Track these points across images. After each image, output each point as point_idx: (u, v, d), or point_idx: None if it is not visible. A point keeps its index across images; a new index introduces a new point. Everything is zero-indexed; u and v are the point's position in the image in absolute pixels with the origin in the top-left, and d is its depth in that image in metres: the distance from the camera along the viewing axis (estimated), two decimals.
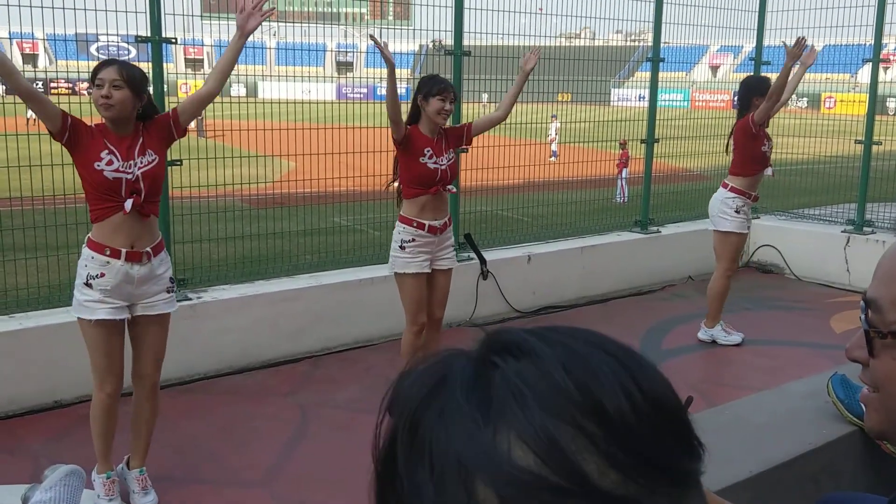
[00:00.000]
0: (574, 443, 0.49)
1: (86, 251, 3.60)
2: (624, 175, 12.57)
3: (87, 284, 3.58)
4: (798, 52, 5.76)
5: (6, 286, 5.25)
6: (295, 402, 5.12)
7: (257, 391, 5.28)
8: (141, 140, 3.64)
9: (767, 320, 6.34)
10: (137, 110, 3.62)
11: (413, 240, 4.71)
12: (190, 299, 5.42)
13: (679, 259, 8.13)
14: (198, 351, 5.36)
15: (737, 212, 6.01)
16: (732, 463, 2.00)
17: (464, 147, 5.32)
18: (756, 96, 5.89)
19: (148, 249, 3.64)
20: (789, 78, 5.89)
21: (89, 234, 3.63)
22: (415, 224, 4.71)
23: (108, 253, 3.57)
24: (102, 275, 3.57)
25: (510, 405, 0.50)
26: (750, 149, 5.94)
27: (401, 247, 4.74)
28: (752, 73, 8.92)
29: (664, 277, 8.01)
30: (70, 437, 4.54)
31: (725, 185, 6.09)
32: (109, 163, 3.53)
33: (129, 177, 3.56)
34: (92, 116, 3.93)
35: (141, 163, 3.60)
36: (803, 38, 5.82)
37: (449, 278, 4.95)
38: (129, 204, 3.54)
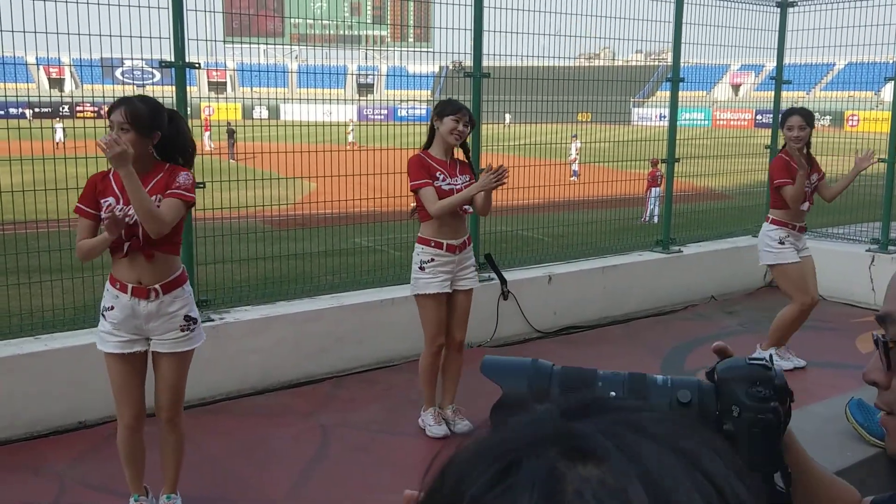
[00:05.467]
0: None
1: (107, 283, 3.64)
2: (653, 194, 12.30)
3: (103, 315, 3.62)
4: (868, 164, 5.74)
5: (32, 308, 5.31)
6: (316, 422, 5.13)
7: (279, 411, 5.30)
8: (153, 184, 3.52)
9: (792, 340, 6.27)
10: (151, 148, 3.53)
11: (432, 259, 4.73)
12: (212, 320, 5.46)
13: (701, 279, 8.08)
14: (220, 371, 5.39)
15: (780, 243, 5.86)
16: None
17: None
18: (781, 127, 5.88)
19: (156, 287, 3.56)
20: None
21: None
22: (433, 244, 4.74)
23: (117, 287, 3.57)
24: (112, 307, 3.58)
25: None
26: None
27: (420, 268, 4.76)
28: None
29: (686, 297, 7.96)
30: (94, 458, 4.57)
31: (767, 219, 6.00)
32: (109, 207, 3.48)
33: (128, 220, 3.47)
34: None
35: None
36: (871, 151, 5.84)
37: (469, 298, 4.95)
38: (126, 246, 3.50)
